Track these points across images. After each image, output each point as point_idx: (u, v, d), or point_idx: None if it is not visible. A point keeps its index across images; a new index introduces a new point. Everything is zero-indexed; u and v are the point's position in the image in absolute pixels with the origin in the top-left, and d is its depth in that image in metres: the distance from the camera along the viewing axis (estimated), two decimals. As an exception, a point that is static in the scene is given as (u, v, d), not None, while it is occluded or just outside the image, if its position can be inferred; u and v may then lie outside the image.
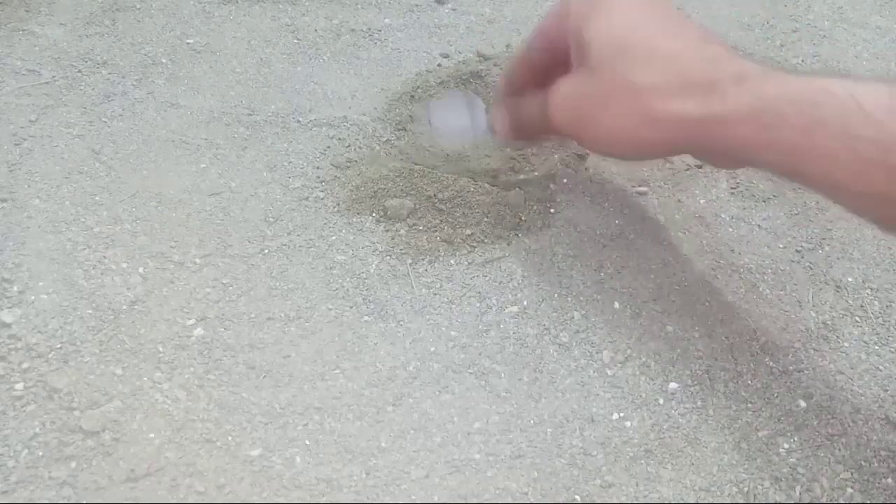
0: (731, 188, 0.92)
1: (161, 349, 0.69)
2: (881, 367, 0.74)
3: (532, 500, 0.61)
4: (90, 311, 0.70)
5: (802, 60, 1.16)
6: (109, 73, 0.98)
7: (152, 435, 0.63)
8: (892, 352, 0.76)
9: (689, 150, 0.66)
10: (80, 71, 0.97)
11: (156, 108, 0.93)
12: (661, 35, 0.62)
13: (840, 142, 0.53)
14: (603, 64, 0.62)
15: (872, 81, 0.54)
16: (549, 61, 0.73)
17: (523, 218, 0.84)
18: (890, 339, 0.77)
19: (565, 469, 0.64)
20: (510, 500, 0.61)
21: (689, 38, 0.62)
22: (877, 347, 0.76)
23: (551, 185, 0.87)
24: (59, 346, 0.67)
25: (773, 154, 0.57)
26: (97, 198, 0.81)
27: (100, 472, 0.60)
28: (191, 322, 0.71)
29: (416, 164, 0.90)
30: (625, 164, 0.91)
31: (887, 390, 0.72)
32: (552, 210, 0.84)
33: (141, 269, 0.74)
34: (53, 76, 0.95)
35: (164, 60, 1.01)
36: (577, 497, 0.62)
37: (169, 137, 0.89)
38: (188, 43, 1.04)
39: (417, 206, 0.82)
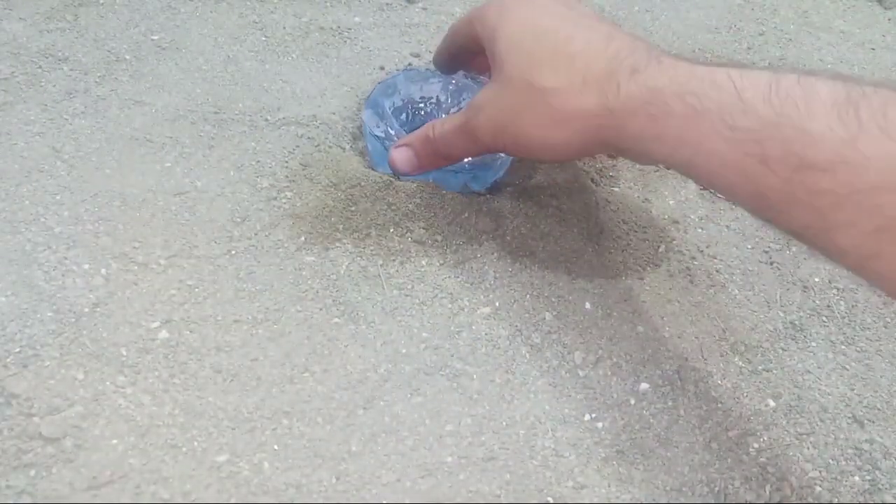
0: (700, 189, 0.93)
1: (124, 353, 0.67)
2: (847, 367, 0.75)
3: (504, 503, 0.61)
4: (50, 314, 0.68)
5: (769, 63, 1.17)
6: (71, 70, 0.95)
7: (115, 441, 0.61)
8: (859, 351, 0.77)
9: (599, 148, 0.66)
10: (40, 67, 0.95)
11: (119, 105, 0.91)
12: (564, 38, 0.64)
13: (719, 133, 0.50)
14: (513, 74, 0.65)
15: (758, 70, 0.52)
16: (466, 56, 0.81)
17: (495, 219, 0.83)
18: (856, 338, 0.78)
19: (538, 471, 0.63)
20: (482, 503, 0.61)
21: (592, 37, 0.63)
22: (843, 347, 0.77)
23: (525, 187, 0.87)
24: (17, 349, 0.65)
25: (664, 147, 0.56)
26: (58, 197, 0.79)
27: (60, 479, 0.59)
28: (155, 325, 0.69)
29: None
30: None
31: (853, 389, 0.73)
32: (524, 211, 0.84)
33: (103, 271, 0.73)
34: (12, 72, 0.93)
35: (127, 57, 0.99)
36: (549, 499, 0.62)
37: (133, 135, 0.88)
38: (153, 39, 1.02)
39: (389, 207, 0.82)
